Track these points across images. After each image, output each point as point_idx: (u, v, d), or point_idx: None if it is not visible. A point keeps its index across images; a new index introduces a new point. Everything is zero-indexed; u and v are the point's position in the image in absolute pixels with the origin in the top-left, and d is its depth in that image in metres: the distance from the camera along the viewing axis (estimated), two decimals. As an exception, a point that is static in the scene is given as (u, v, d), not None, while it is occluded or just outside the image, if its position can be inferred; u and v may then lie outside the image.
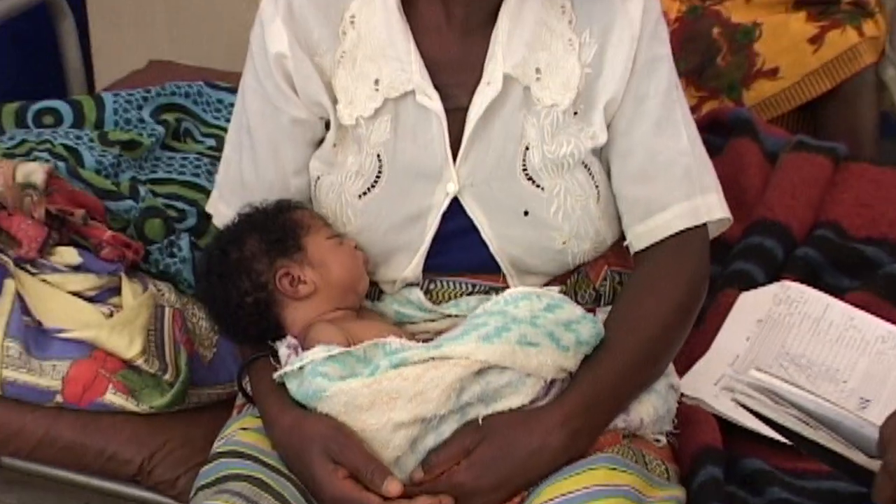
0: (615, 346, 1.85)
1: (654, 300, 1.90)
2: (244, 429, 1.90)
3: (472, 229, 1.91)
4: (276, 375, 1.84)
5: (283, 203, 1.94)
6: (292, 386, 1.82)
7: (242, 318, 1.93)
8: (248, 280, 1.89)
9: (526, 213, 1.90)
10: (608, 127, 1.90)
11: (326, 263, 1.90)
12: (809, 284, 2.35)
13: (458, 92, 1.88)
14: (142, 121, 2.58)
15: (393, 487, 1.71)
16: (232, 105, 2.08)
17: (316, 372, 1.79)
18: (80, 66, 3.07)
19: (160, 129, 2.57)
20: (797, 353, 2.21)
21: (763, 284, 2.35)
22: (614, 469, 1.76)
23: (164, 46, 3.31)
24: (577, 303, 1.89)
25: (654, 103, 1.91)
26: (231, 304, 1.92)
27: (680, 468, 1.92)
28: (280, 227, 1.90)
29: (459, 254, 1.93)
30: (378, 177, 1.90)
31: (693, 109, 2.26)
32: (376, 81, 1.88)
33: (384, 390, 1.76)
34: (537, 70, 1.87)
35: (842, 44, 3.33)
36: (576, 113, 1.89)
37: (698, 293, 1.96)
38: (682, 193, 1.92)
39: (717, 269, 2.36)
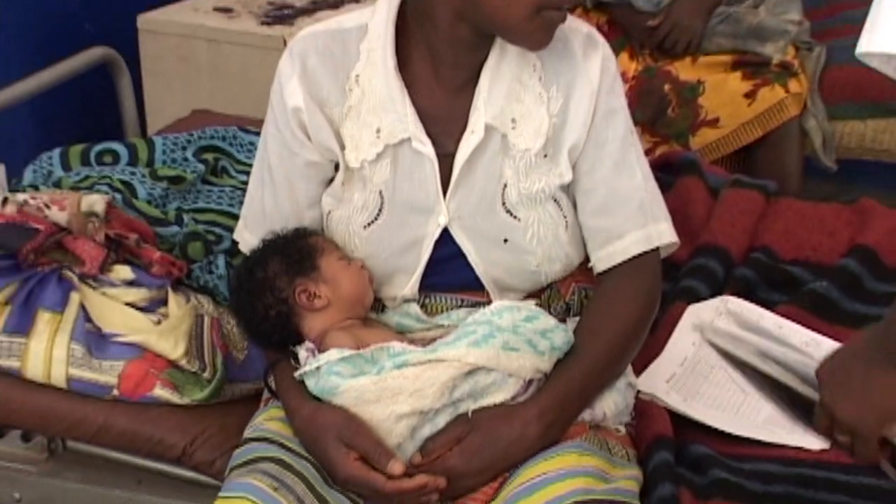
0: (582, 352, 1.86)
1: (615, 313, 1.91)
2: (270, 419, 1.91)
3: (460, 254, 1.92)
4: (296, 374, 1.85)
5: (301, 230, 1.96)
6: (310, 383, 1.83)
7: (267, 328, 1.94)
8: (271, 296, 1.91)
9: (505, 241, 1.91)
10: (573, 167, 1.91)
11: (337, 280, 1.91)
12: (746, 298, 2.35)
13: (446, 139, 1.89)
14: (186, 160, 2.57)
15: (396, 468, 1.73)
16: (259, 146, 2.08)
17: (331, 371, 1.80)
18: (135, 114, 3.06)
19: (201, 166, 2.57)
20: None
21: (707, 298, 2.35)
22: (582, 453, 1.79)
23: (204, 98, 3.31)
24: (550, 314, 1.90)
25: (613, 147, 1.92)
26: (258, 316, 1.94)
27: (637, 453, 1.92)
28: (298, 250, 1.91)
29: (450, 275, 1.94)
30: (380, 211, 1.91)
31: (647, 152, 2.27)
32: (378, 130, 1.88)
33: (388, 387, 1.77)
34: (513, 120, 1.88)
35: (771, 98, 3.36)
36: (545, 155, 1.90)
37: (652, 307, 1.97)
38: (637, 223, 1.93)
39: (668, 286, 2.34)
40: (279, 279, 1.91)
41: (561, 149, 1.90)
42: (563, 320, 1.93)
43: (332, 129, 1.91)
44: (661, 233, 1.95)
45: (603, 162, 1.91)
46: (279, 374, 1.92)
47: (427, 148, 1.88)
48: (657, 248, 1.96)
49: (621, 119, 1.93)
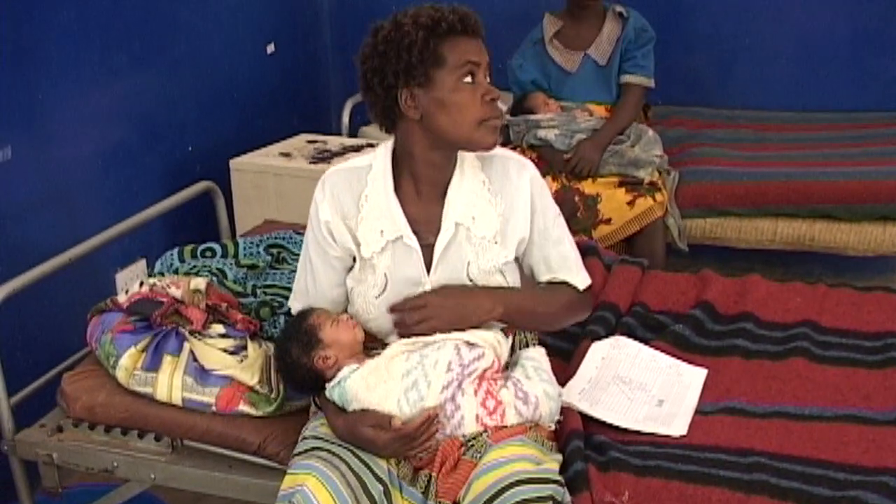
0: (536, 295, 1.99)
1: (562, 295, 2.00)
2: (321, 424, 1.90)
3: None
4: (326, 392, 1.87)
5: (300, 316, 1.96)
6: (335, 395, 1.85)
7: (306, 385, 1.95)
8: (302, 369, 1.92)
9: None
10: (526, 249, 1.95)
11: (336, 339, 1.90)
12: (630, 337, 2.34)
13: (427, 235, 1.89)
14: (259, 253, 2.57)
15: (396, 422, 1.77)
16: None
17: (344, 381, 1.84)
18: (227, 224, 3.07)
19: (269, 257, 2.57)
20: (624, 376, 2.19)
21: (604, 337, 2.33)
22: (523, 445, 1.78)
23: (272, 212, 3.31)
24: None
25: (549, 230, 1.95)
26: (297, 380, 1.96)
27: (558, 443, 1.91)
28: (304, 333, 1.91)
29: None
30: (385, 286, 1.90)
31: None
32: (381, 231, 1.89)
33: (374, 366, 1.84)
34: (472, 217, 1.89)
35: (644, 205, 3.36)
36: (496, 242, 1.90)
37: (582, 311, 2.08)
38: (571, 275, 2.00)
39: (579, 329, 2.34)
40: (302, 358, 1.90)
41: (507, 237, 1.91)
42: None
43: (350, 234, 1.91)
44: (585, 279, 2.02)
45: (546, 242, 1.95)
46: (321, 399, 1.91)
47: (413, 242, 1.88)
48: (579, 290, 2.02)
49: (551, 210, 1.97)
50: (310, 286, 1.99)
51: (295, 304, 2.03)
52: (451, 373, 1.81)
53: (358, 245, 1.91)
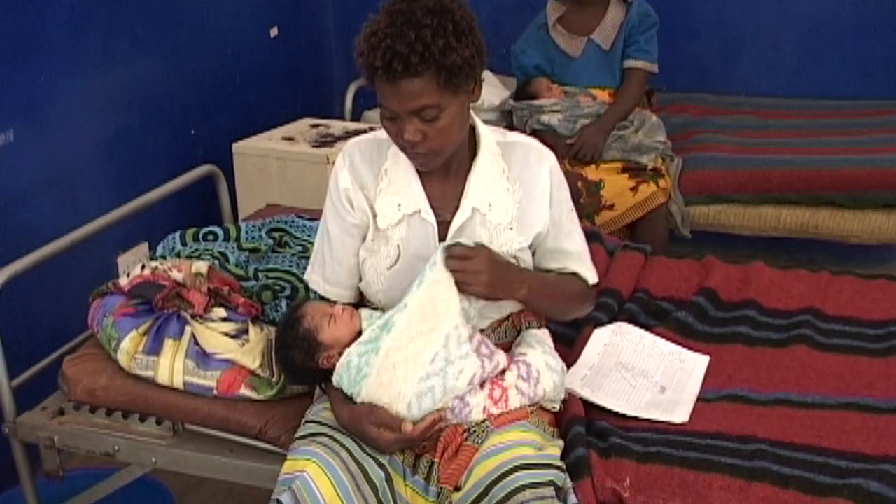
0: (555, 281, 1.98)
1: (575, 285, 2.00)
2: (325, 409, 1.90)
3: None
4: (333, 379, 1.85)
5: (292, 322, 1.94)
6: (344, 379, 1.83)
7: (314, 381, 1.98)
8: (309, 373, 1.93)
9: None
10: (544, 239, 1.94)
11: (336, 338, 1.88)
12: (632, 323, 2.34)
13: (443, 212, 1.89)
14: (261, 237, 2.56)
15: (407, 426, 1.74)
16: (310, 228, 2.07)
17: (352, 362, 1.82)
18: (229, 208, 3.05)
19: (271, 241, 2.55)
20: (626, 362, 2.19)
21: (606, 324, 2.32)
22: (525, 430, 1.78)
23: (274, 196, 3.30)
24: (505, 336, 1.95)
25: (563, 224, 1.95)
26: (307, 379, 1.99)
27: (559, 428, 1.91)
28: (303, 339, 1.90)
29: None
30: (398, 258, 1.89)
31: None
32: (399, 205, 1.89)
33: (389, 363, 1.80)
34: (489, 204, 1.88)
35: (647, 191, 3.37)
36: (511, 228, 1.90)
37: (588, 300, 2.08)
38: (579, 266, 1.99)
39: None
40: (307, 363, 1.90)
41: (524, 224, 1.91)
42: (512, 341, 1.95)
43: (368, 203, 1.91)
44: (595, 275, 2.03)
45: (559, 233, 1.95)
46: (327, 386, 1.91)
47: (430, 217, 1.88)
48: (588, 284, 2.03)
49: (566, 203, 1.97)
50: (326, 256, 1.98)
51: (312, 276, 2.03)
52: (472, 385, 1.81)
53: (374, 216, 1.91)
